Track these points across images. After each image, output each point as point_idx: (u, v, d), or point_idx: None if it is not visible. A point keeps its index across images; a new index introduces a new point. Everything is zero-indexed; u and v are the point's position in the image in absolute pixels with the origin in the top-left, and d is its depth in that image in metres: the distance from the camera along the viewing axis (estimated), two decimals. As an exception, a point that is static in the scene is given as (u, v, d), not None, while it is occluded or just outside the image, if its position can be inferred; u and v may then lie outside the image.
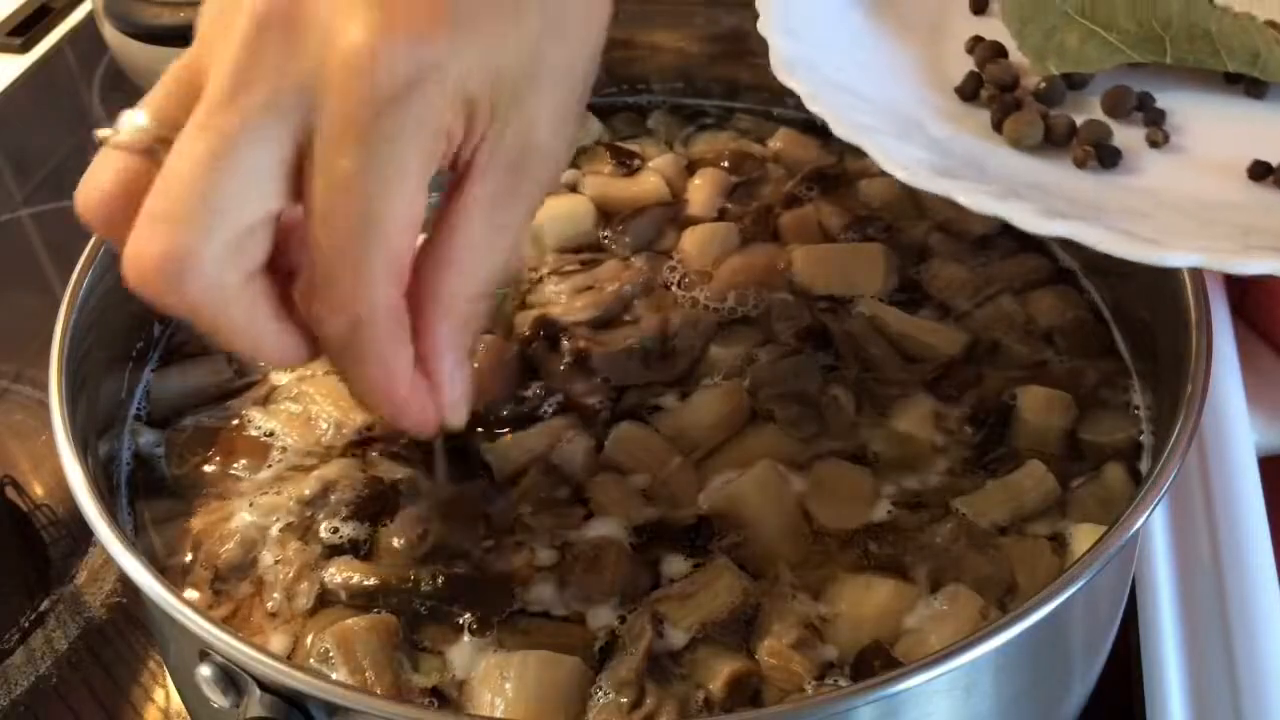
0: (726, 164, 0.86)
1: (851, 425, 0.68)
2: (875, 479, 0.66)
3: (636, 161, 0.86)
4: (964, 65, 0.72)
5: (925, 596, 0.61)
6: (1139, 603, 0.67)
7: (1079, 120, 0.67)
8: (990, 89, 0.70)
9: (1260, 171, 0.65)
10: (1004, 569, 0.62)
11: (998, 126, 0.67)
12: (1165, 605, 0.67)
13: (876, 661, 0.58)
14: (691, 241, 0.78)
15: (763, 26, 0.70)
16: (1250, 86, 0.70)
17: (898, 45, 0.74)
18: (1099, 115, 0.69)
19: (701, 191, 0.83)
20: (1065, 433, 0.68)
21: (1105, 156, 0.65)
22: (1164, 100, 0.69)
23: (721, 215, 0.81)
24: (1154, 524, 0.70)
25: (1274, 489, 0.72)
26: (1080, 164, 0.65)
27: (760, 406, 0.69)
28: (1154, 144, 0.67)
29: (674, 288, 0.76)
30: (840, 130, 0.64)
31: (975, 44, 0.73)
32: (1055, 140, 0.66)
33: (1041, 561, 0.62)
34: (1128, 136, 0.67)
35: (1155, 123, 0.68)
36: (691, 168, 0.85)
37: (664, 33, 0.92)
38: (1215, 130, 0.69)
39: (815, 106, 0.65)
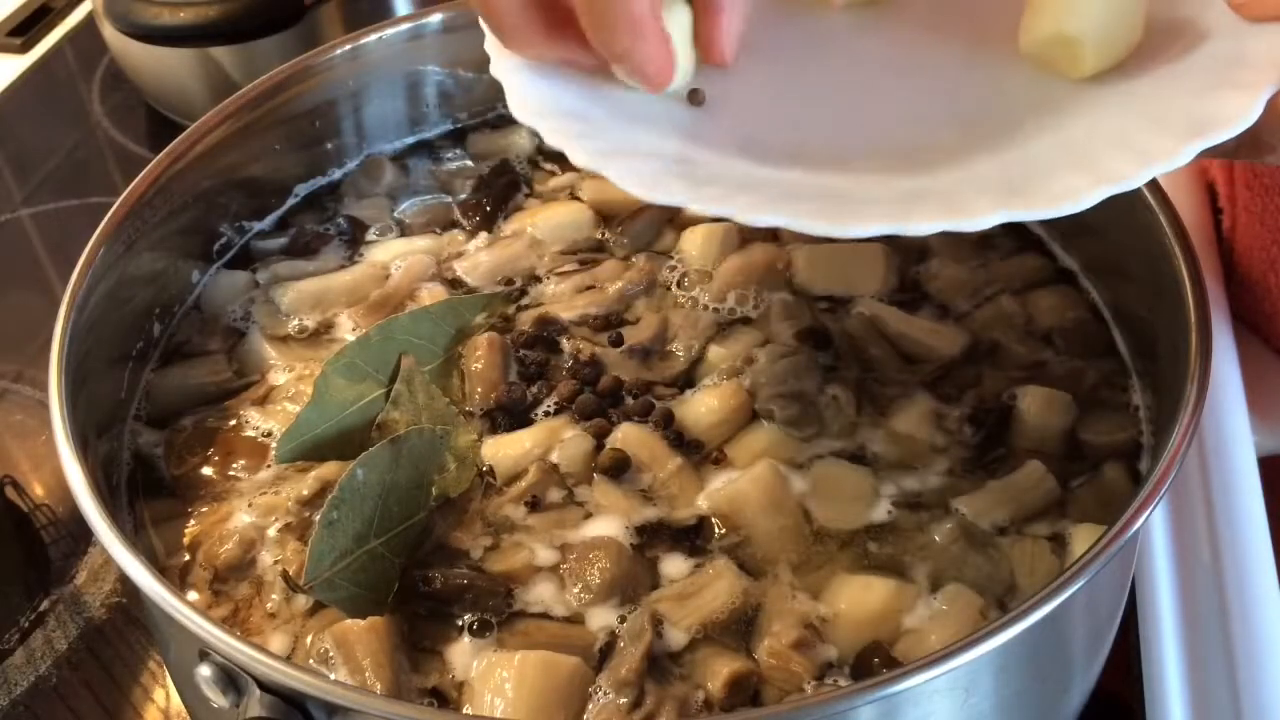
0: (726, 164, 0.85)
1: (851, 425, 0.68)
2: (875, 479, 0.66)
3: (636, 162, 0.86)
4: None
5: (925, 596, 0.61)
6: (1139, 603, 0.67)
7: None
8: None
9: None
10: (1004, 569, 0.62)
11: None
12: (1165, 605, 0.67)
13: (876, 661, 0.58)
14: (691, 242, 0.78)
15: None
16: None
17: None
18: None
19: (701, 191, 0.82)
20: (1065, 433, 0.68)
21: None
22: None
23: (721, 215, 0.81)
24: (1154, 524, 0.70)
25: (1274, 489, 0.72)
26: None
27: (760, 406, 0.69)
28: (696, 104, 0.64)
29: (674, 288, 0.76)
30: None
31: None
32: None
33: (1041, 561, 0.62)
34: None
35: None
36: (691, 168, 0.85)
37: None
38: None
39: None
